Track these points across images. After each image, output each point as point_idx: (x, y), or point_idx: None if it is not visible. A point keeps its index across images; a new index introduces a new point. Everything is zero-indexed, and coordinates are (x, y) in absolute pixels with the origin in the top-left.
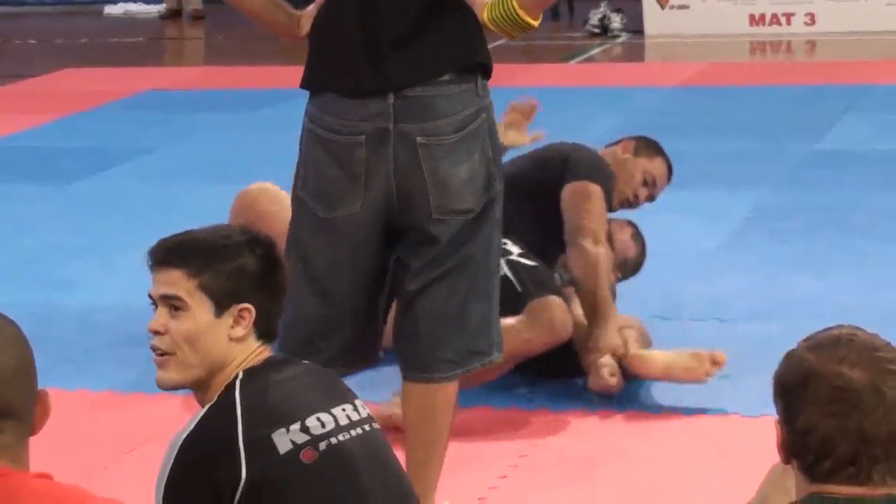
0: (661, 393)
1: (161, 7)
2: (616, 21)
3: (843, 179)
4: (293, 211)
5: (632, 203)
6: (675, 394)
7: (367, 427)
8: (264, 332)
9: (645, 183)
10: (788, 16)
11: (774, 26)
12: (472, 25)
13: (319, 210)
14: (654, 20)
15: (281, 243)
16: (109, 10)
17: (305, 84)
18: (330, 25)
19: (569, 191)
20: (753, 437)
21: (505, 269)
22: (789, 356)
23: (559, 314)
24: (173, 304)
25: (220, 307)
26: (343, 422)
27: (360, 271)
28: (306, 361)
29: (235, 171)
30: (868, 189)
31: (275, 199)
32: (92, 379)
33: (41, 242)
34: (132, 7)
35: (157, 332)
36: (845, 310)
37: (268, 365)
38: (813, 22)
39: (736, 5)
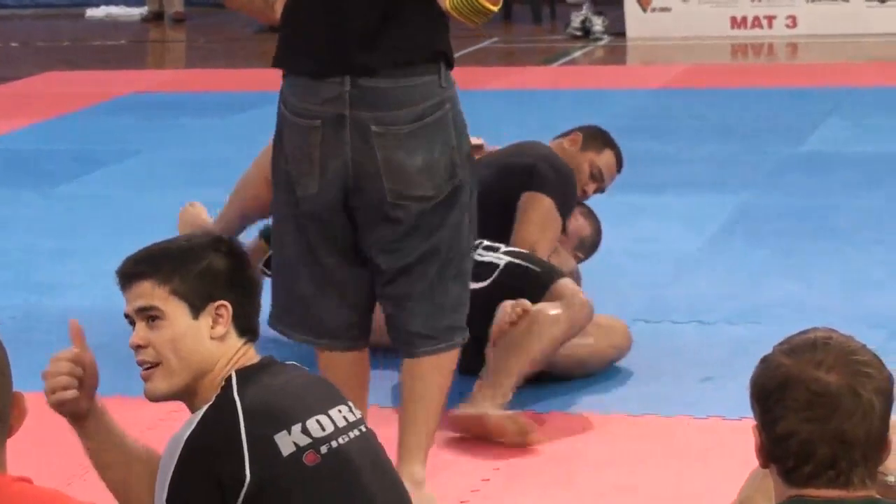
0: (643, 395)
1: (143, 10)
2: (598, 24)
3: (825, 182)
4: (275, 184)
5: (580, 197)
6: (658, 396)
7: (362, 429)
8: (245, 328)
9: (592, 177)
10: (770, 18)
11: (756, 29)
12: (435, 15)
13: (289, 191)
14: (636, 23)
15: None
16: (91, 12)
17: (275, 63)
18: (298, 9)
19: (522, 199)
20: (734, 439)
21: (506, 259)
22: (765, 361)
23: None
24: (150, 315)
25: (196, 309)
26: (341, 424)
27: (338, 250)
28: (295, 364)
29: (218, 174)
30: (850, 192)
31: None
32: None
33: (23, 245)
34: (114, 10)
35: (139, 347)
36: (827, 312)
37: (260, 367)
38: (794, 24)
39: (717, 8)
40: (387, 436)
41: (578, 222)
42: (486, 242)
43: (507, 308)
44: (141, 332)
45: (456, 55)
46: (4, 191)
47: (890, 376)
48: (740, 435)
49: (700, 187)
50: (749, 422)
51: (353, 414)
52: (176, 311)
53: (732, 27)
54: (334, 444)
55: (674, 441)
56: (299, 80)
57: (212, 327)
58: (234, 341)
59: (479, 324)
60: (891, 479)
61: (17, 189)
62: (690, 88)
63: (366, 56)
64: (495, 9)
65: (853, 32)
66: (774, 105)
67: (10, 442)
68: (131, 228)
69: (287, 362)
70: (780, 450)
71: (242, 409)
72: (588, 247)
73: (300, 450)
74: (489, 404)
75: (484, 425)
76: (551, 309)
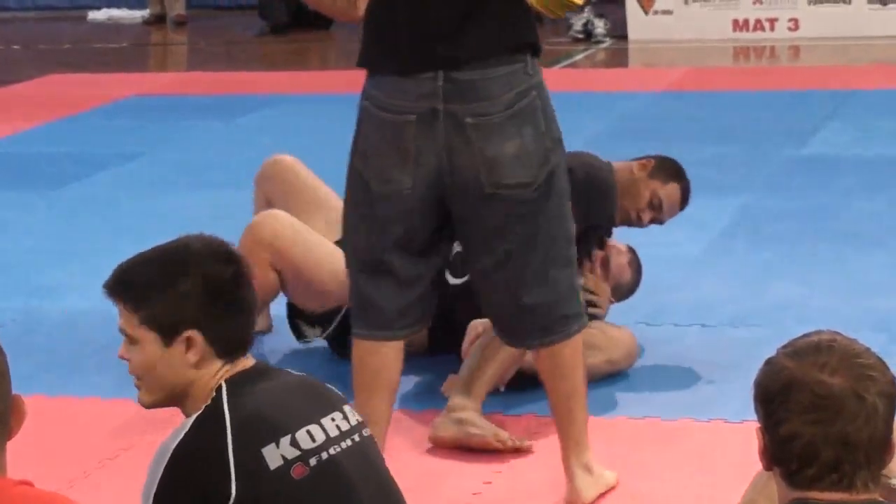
0: (644, 399)
1: (145, 12)
2: (599, 26)
3: (827, 185)
4: (349, 182)
5: (634, 222)
6: (659, 400)
7: (357, 437)
8: (226, 350)
9: (651, 205)
10: (772, 21)
11: (758, 31)
12: (519, 5)
13: (373, 184)
14: (638, 25)
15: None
16: (93, 15)
17: (361, 62)
18: (383, 6)
19: None
20: (737, 442)
21: None
22: (769, 363)
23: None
24: (127, 336)
25: (167, 337)
26: (333, 433)
27: (412, 245)
28: (288, 370)
29: (219, 177)
30: (852, 194)
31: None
32: (75, 385)
33: (24, 248)
34: (116, 12)
35: (124, 359)
36: (830, 315)
37: (252, 374)
38: (796, 27)
39: (719, 10)
40: (412, 436)
41: (622, 265)
42: None
43: (479, 328)
44: (123, 347)
45: None
46: (5, 193)
47: (893, 379)
48: (743, 438)
49: (702, 190)
50: (752, 425)
51: (348, 421)
52: (146, 339)
53: (734, 30)
54: (324, 455)
55: (676, 444)
56: (390, 77)
57: (185, 353)
58: (214, 363)
59: (466, 317)
60: (894, 481)
61: (19, 191)
62: (692, 91)
63: (455, 50)
64: (581, 1)
65: (855, 35)
66: (776, 108)
67: (10, 445)
68: (132, 231)
69: (281, 368)
70: (783, 452)
71: (230, 421)
72: (623, 293)
73: (288, 463)
74: (467, 415)
75: (468, 445)
76: None
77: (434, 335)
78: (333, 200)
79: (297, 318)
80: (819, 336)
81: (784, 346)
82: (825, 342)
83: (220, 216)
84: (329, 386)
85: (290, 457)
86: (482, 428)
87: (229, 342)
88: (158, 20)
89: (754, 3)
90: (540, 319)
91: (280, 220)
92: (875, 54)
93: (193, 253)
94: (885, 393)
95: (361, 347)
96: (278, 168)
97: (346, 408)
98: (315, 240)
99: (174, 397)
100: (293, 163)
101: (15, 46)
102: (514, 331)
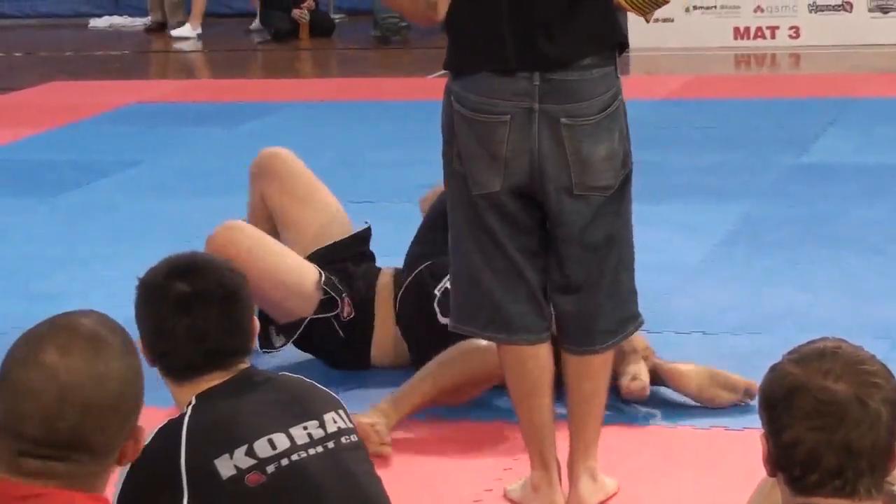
0: (646, 405)
1: (146, 20)
2: None
3: (827, 192)
4: (450, 186)
5: None
6: (660, 406)
7: (332, 444)
8: (179, 376)
9: None
10: (773, 29)
11: (759, 40)
12: (611, 5)
13: (469, 185)
14: (639, 33)
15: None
16: (95, 23)
17: (450, 65)
18: (475, 7)
19: None
20: (739, 450)
21: None
22: (774, 370)
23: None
24: None
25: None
26: (301, 440)
27: (522, 241)
28: (280, 374)
29: (220, 184)
30: (853, 202)
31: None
32: None
33: (25, 254)
34: (117, 20)
35: None
36: (830, 323)
37: (227, 387)
38: (797, 35)
39: (720, 18)
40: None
41: None
42: None
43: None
44: None
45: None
46: (7, 200)
47: None
48: (743, 446)
49: (703, 198)
50: (752, 432)
51: (324, 429)
52: None
53: (735, 38)
54: (284, 461)
55: (676, 451)
56: (482, 77)
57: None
58: (185, 384)
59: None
60: None
61: (20, 198)
62: (693, 99)
63: (554, 50)
64: None
65: (856, 43)
66: (777, 115)
67: None
68: (133, 237)
69: (274, 375)
70: (786, 458)
71: (186, 435)
72: None
73: (242, 472)
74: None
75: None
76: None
77: (419, 347)
78: (328, 195)
79: (271, 324)
80: (824, 343)
81: (789, 353)
82: (830, 349)
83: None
84: (322, 391)
85: (244, 466)
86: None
87: (190, 364)
88: (160, 28)
89: (755, 11)
90: (609, 324)
91: (238, 233)
92: (876, 62)
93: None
94: (889, 400)
95: (513, 354)
96: (273, 162)
97: (330, 415)
98: (276, 252)
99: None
100: (287, 156)
101: (17, 53)
102: (584, 333)
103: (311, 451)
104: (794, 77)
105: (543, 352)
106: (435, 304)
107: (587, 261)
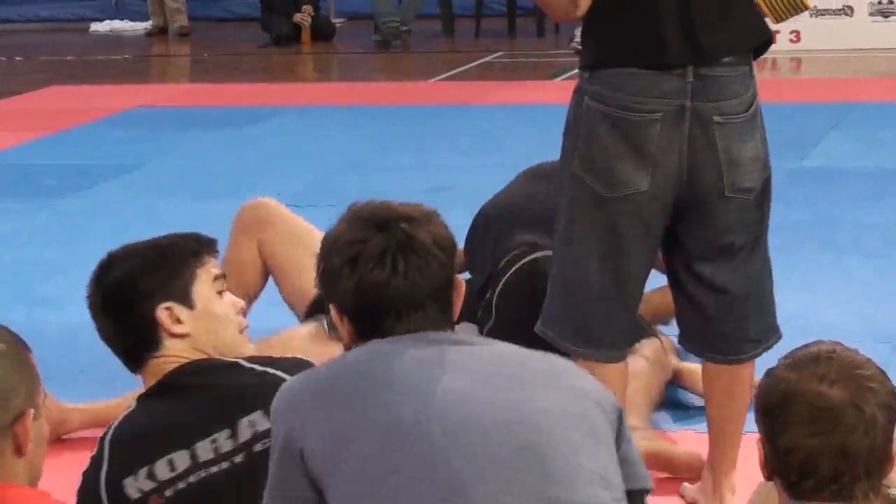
0: None
1: (147, 24)
2: None
3: (829, 196)
4: (569, 192)
5: None
6: (659, 411)
7: (243, 455)
8: (133, 360)
9: None
10: (773, 33)
11: None
12: (753, 3)
13: (601, 188)
14: None
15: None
16: (95, 27)
17: (593, 62)
18: (629, 2)
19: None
20: (738, 453)
21: None
22: (769, 375)
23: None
24: None
25: None
26: (205, 457)
27: (647, 249)
28: (221, 364)
29: (221, 188)
30: (854, 206)
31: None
32: (77, 397)
33: (26, 259)
34: (118, 24)
35: None
36: (831, 327)
37: (151, 391)
38: (798, 39)
39: None
40: None
41: None
42: None
43: None
44: None
45: (460, 69)
46: (8, 204)
47: (894, 390)
48: (742, 449)
49: None
50: (750, 436)
51: (235, 439)
52: None
53: None
54: (183, 484)
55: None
56: (630, 74)
57: None
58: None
59: None
60: (894, 492)
61: (21, 202)
62: None
63: (709, 46)
64: (810, 4)
65: (857, 47)
66: (778, 120)
67: None
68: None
69: (220, 364)
70: (782, 463)
71: (108, 452)
72: None
73: (145, 495)
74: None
75: None
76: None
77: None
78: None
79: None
80: (819, 347)
81: (784, 357)
82: (825, 353)
83: (223, 227)
84: (255, 385)
85: (145, 489)
86: None
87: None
88: (161, 32)
89: None
90: (757, 334)
91: (270, 209)
92: (877, 66)
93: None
94: (885, 404)
95: (597, 370)
96: (263, 212)
97: (247, 419)
98: (304, 232)
99: None
100: (274, 204)
101: (18, 58)
102: (730, 341)
103: (214, 469)
104: (795, 81)
105: (621, 372)
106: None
107: (733, 266)
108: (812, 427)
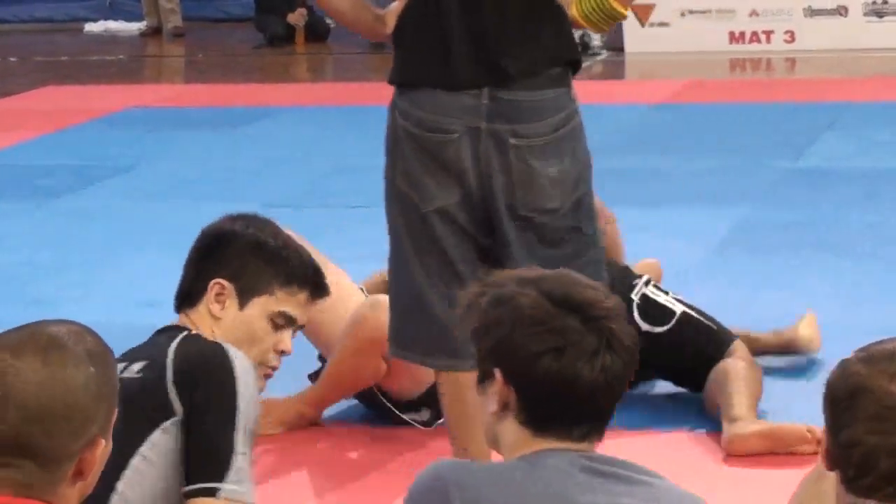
0: (642, 410)
1: (142, 24)
2: (596, 38)
3: (823, 197)
4: (391, 203)
5: None
6: (656, 411)
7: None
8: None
9: None
10: (768, 33)
11: (754, 44)
12: (565, 22)
13: (419, 202)
14: (634, 38)
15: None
16: (90, 27)
17: (396, 79)
18: (425, 20)
19: None
20: (738, 455)
21: (680, 307)
22: (841, 366)
23: None
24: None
25: None
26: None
27: (460, 261)
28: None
29: (216, 189)
30: (849, 206)
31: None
32: None
33: (21, 259)
34: (112, 25)
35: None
36: (827, 327)
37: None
38: (793, 39)
39: (715, 23)
40: None
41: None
42: (648, 277)
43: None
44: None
45: None
46: (1, 205)
47: None
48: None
49: (699, 202)
50: None
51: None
52: None
53: (731, 42)
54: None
55: (672, 456)
56: (428, 93)
57: None
58: None
59: (657, 365)
60: None
61: (15, 203)
62: (689, 103)
63: (504, 68)
64: (626, 12)
65: (851, 47)
66: (773, 120)
67: None
68: (128, 242)
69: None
70: (842, 457)
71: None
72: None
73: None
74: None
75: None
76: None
77: None
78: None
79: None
80: (895, 344)
81: (859, 350)
82: None
83: None
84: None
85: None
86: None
87: None
88: (155, 32)
89: (751, 15)
90: None
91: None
92: (871, 66)
93: None
94: None
95: (454, 382)
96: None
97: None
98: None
99: None
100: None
101: (11, 58)
102: None
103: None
104: (790, 81)
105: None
106: (636, 313)
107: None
108: (876, 424)
